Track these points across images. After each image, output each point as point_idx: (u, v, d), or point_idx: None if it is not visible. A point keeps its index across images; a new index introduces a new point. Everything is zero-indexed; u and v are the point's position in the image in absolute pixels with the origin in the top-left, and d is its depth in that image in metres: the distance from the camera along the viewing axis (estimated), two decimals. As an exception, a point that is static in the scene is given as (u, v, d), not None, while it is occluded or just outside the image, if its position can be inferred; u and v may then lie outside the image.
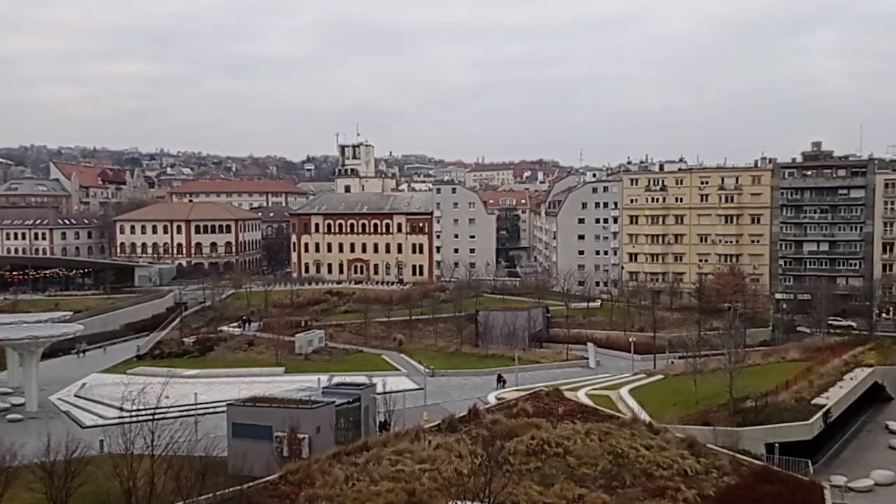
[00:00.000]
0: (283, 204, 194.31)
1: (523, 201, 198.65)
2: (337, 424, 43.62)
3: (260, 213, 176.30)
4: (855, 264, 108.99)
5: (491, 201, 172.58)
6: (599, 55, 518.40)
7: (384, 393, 51.13)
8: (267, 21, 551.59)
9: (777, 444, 42.54)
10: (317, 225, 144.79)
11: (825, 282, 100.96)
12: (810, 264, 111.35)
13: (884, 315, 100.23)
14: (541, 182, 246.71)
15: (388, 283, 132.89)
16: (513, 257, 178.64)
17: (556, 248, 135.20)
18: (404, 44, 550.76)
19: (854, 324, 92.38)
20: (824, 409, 48.62)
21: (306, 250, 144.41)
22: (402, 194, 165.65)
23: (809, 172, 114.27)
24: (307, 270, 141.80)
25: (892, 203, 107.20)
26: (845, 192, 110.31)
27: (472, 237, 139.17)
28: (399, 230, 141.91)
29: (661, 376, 69.68)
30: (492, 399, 58.42)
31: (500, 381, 69.57)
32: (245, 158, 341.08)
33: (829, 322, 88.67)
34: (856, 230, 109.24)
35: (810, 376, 57.79)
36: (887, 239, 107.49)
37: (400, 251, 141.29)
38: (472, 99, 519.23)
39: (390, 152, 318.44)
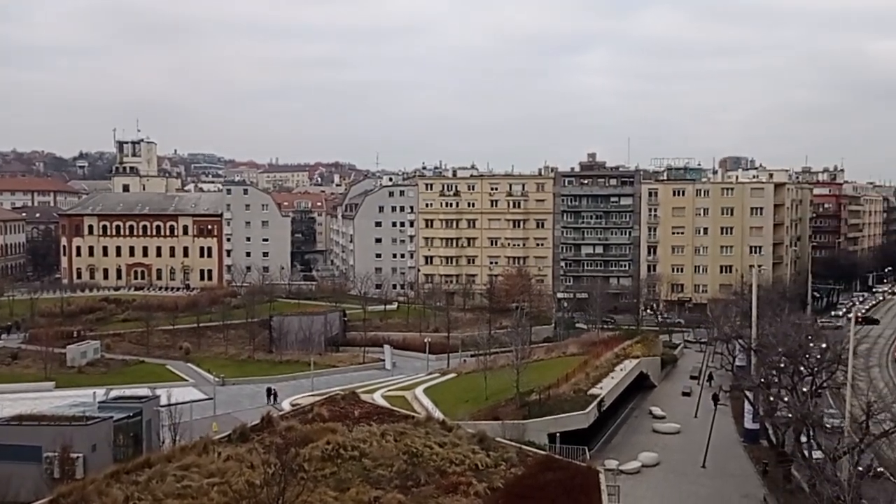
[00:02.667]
0: (52, 203, 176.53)
1: (319, 204, 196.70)
2: (115, 441, 40.61)
3: (24, 214, 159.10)
4: (625, 265, 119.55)
5: (285, 203, 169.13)
6: (396, 61, 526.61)
7: (169, 405, 48.17)
8: (33, 2, 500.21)
9: (558, 434, 45.46)
10: (91, 227, 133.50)
11: (600, 282, 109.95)
12: (587, 266, 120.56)
13: (648, 311, 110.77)
14: (337, 185, 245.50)
15: (173, 288, 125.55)
16: (309, 261, 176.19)
17: (354, 252, 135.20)
18: (191, 38, 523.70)
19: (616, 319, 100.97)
20: (598, 399, 52.63)
21: (78, 254, 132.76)
22: (188, 195, 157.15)
23: (586, 181, 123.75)
24: (79, 276, 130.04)
25: (655, 210, 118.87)
26: (616, 199, 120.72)
27: (266, 240, 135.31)
28: (185, 233, 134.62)
29: (454, 375, 71.76)
30: (286, 405, 57.07)
31: (271, 394, 65.66)
32: (7, 153, 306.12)
33: (604, 318, 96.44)
34: (626, 234, 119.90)
35: (587, 369, 62.26)
36: (651, 242, 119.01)
37: (186, 255, 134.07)
38: (267, 99, 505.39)
39: (175, 150, 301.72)
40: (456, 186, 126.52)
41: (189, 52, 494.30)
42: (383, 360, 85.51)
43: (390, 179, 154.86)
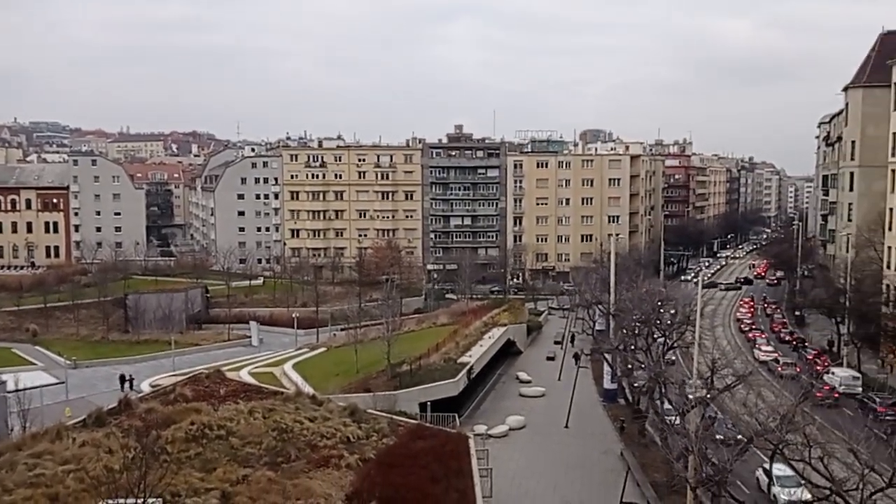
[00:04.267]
0: None
1: (176, 175, 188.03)
2: (-47, 433, 37.27)
3: None
4: (492, 236, 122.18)
5: (139, 175, 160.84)
6: (258, 26, 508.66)
7: (17, 391, 44.75)
8: None
9: (429, 403, 46.06)
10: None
11: (469, 252, 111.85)
12: (456, 237, 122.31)
13: (515, 280, 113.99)
14: (195, 155, 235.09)
15: (16, 267, 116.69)
16: (166, 235, 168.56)
17: (215, 225, 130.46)
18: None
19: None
20: (468, 367, 53.81)
21: None
22: (30, 166, 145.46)
23: (453, 153, 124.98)
24: None
25: (520, 181, 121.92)
26: (483, 171, 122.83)
27: (118, 214, 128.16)
28: (28, 207, 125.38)
29: (324, 349, 71.10)
30: (146, 387, 54.46)
31: (125, 381, 59.90)
32: None
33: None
34: (493, 206, 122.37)
35: (456, 338, 63.41)
36: (517, 213, 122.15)
37: (30, 231, 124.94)
38: (117, 64, 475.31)
39: (15, 119, 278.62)
40: (322, 158, 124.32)
41: (26, 11, 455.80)
42: (249, 337, 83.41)
43: (253, 150, 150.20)
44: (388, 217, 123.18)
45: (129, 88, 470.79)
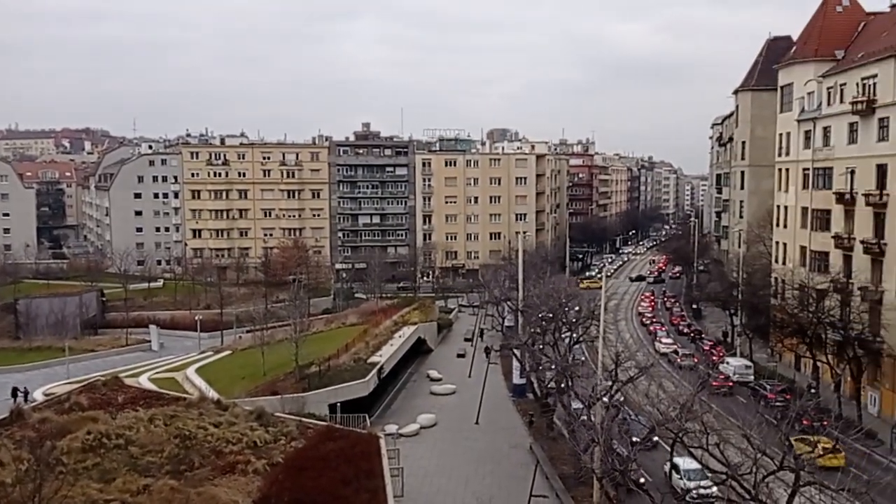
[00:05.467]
0: None
1: (68, 174, 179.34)
2: None
3: None
4: (402, 235, 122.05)
5: (28, 174, 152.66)
6: (155, 17, 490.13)
7: None
8: None
9: (339, 404, 45.59)
10: None
11: (378, 251, 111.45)
12: (365, 236, 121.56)
13: (425, 278, 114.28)
14: (89, 153, 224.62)
15: None
16: (58, 237, 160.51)
17: (110, 226, 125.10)
18: None
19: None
20: (378, 367, 53.54)
21: None
22: None
23: (361, 151, 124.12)
24: None
25: (429, 180, 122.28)
26: (392, 169, 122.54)
27: (6, 215, 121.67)
28: None
29: (229, 352, 69.34)
30: (39, 396, 51.62)
31: (18, 394, 55.72)
32: None
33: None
34: (402, 204, 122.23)
35: (366, 338, 63.00)
36: (426, 212, 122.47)
37: None
38: (2, 56, 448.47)
39: None
40: (225, 155, 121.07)
41: None
42: (149, 342, 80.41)
43: (150, 147, 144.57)
44: (294, 216, 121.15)
45: (17, 82, 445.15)
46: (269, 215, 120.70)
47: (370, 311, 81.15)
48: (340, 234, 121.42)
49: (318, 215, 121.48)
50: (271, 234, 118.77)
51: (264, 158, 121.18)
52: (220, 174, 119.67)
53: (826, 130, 59.23)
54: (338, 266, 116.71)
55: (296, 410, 38.50)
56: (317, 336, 64.93)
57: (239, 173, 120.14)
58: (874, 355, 49.80)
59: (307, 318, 64.22)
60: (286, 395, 44.56)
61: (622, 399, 38.86)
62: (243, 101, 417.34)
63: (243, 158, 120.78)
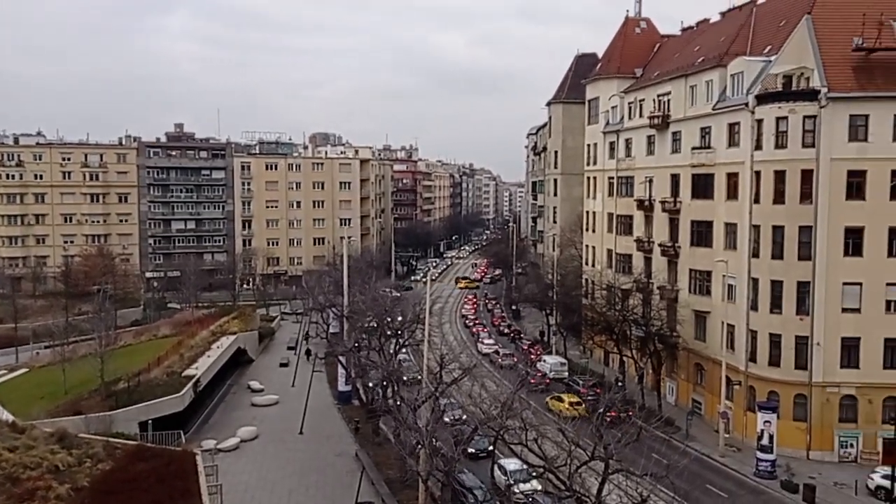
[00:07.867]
0: None
1: None
2: None
3: None
4: (220, 241, 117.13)
5: None
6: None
7: None
8: None
9: (151, 421, 42.90)
10: None
11: (193, 258, 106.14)
12: (179, 242, 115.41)
13: (245, 285, 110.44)
14: None
15: None
16: None
17: None
18: None
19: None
20: (194, 380, 50.98)
21: None
22: None
23: (174, 152, 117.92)
24: None
25: (248, 184, 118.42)
26: (208, 172, 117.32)
27: None
28: None
29: (25, 370, 63.76)
30: None
31: None
32: None
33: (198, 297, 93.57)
34: (219, 209, 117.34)
35: (181, 350, 59.85)
36: (246, 216, 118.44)
37: None
38: None
39: None
40: (19, 156, 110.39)
41: None
42: (-73, 362, 71.46)
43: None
44: (98, 221, 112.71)
45: None
46: (70, 221, 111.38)
47: (185, 321, 77.15)
48: (151, 241, 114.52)
49: (126, 220, 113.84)
50: (72, 242, 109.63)
51: (64, 160, 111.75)
52: (13, 176, 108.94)
53: (628, 142, 63.96)
54: (148, 274, 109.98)
55: (102, 430, 36.05)
56: (125, 350, 61.11)
57: (35, 175, 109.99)
58: (671, 349, 54.31)
59: (114, 330, 60.17)
60: (91, 414, 41.49)
61: (449, 402, 39.60)
62: (40, 98, 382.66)
63: (40, 159, 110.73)
